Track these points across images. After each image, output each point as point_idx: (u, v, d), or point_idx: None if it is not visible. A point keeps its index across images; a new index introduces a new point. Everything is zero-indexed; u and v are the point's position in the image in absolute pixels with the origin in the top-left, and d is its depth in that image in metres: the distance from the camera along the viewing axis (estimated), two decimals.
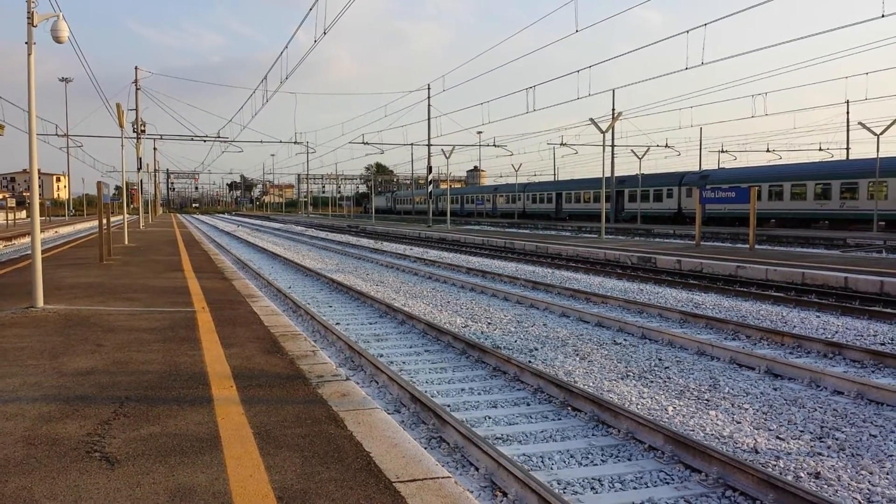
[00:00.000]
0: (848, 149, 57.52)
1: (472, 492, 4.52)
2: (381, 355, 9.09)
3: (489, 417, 6.55)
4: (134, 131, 42.18)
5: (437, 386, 7.67)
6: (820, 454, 5.62)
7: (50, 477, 3.80)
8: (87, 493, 3.61)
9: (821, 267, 16.59)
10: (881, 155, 35.55)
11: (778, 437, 6.03)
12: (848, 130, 56.98)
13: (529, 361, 8.65)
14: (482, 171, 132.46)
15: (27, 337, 7.77)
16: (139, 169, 44.20)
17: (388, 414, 5.73)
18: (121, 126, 27.46)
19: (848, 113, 56.55)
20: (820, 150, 63.54)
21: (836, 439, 5.95)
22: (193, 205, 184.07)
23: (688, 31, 23.30)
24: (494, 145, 60.36)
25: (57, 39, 10.75)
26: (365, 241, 36.24)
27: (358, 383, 7.34)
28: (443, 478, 3.88)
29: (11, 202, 76.65)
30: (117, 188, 46.39)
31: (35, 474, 3.84)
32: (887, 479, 5.12)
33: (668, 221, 50.52)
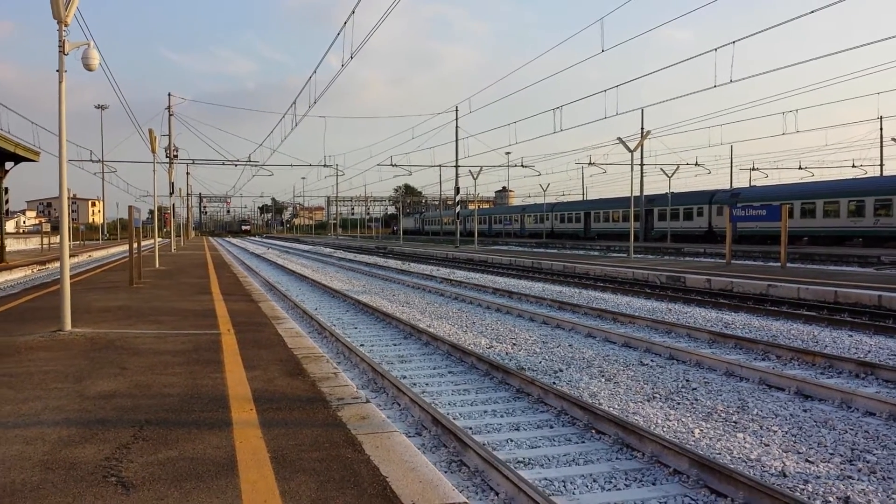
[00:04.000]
0: (882, 165, 56.80)
1: None
2: (404, 377, 9.05)
3: (511, 440, 6.47)
4: (167, 156, 42.84)
5: (459, 408, 7.60)
6: (850, 477, 5.46)
7: (65, 502, 3.80)
8: None
9: (854, 285, 16.27)
10: None
11: (807, 460, 5.87)
12: (882, 146, 56.28)
13: (554, 383, 8.56)
14: (510, 191, 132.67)
15: (53, 360, 7.85)
16: (171, 193, 44.77)
17: (409, 437, 5.68)
18: (153, 151, 27.79)
19: (881, 129, 55.89)
20: (853, 166, 62.67)
21: (868, 462, 5.78)
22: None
23: (716, 49, 23.24)
24: (522, 165, 60.40)
25: (88, 67, 10.94)
26: (393, 263, 36.30)
27: (379, 406, 7.31)
28: (459, 503, 3.82)
29: (46, 227, 78.10)
30: (150, 212, 47.13)
31: (50, 499, 3.84)
32: None
33: (699, 240, 50.03)
